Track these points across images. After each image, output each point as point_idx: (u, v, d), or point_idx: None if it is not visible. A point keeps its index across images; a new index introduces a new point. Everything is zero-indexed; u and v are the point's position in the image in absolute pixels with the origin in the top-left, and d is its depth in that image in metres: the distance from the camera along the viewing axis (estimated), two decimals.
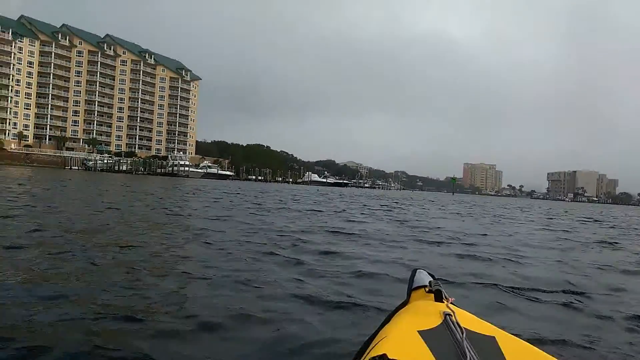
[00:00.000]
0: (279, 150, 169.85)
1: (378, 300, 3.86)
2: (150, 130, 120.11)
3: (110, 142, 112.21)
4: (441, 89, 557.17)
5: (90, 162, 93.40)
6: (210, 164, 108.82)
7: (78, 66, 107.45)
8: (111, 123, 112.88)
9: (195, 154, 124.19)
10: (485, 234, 11.20)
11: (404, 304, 1.64)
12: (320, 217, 13.55)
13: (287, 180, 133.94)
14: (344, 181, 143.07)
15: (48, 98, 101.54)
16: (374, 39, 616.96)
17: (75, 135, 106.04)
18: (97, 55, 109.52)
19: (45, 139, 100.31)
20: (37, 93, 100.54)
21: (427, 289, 1.62)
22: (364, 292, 4.23)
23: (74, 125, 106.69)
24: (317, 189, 68.51)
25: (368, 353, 1.23)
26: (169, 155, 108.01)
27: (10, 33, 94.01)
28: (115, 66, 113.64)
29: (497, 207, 37.58)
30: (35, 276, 4.06)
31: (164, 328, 2.91)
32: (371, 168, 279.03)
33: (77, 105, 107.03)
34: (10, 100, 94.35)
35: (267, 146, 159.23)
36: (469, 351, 1.13)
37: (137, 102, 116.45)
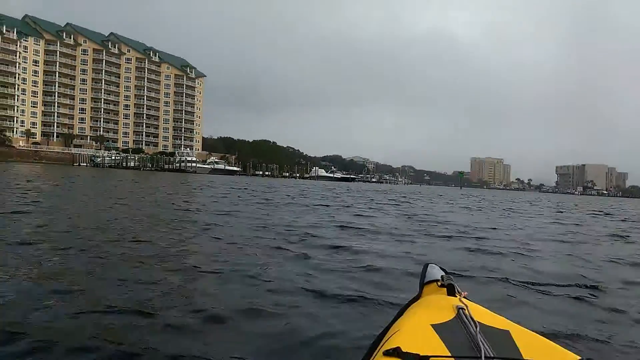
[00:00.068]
0: (285, 146, 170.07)
1: (388, 295, 3.82)
2: (156, 127, 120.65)
3: (118, 138, 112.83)
4: (446, 87, 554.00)
5: (99, 159, 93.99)
6: (217, 160, 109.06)
7: (83, 64, 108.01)
8: (118, 120, 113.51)
9: (202, 150, 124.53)
10: (495, 228, 11.13)
11: (416, 298, 1.64)
12: (328, 211, 13.52)
13: (294, 175, 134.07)
14: (351, 176, 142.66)
15: (54, 96, 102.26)
16: (379, 37, 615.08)
17: (82, 132, 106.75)
18: (102, 54, 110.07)
19: (53, 136, 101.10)
20: (43, 91, 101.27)
21: (439, 283, 1.62)
22: (373, 286, 4.20)
23: (81, 122, 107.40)
24: (324, 184, 68.44)
25: (382, 346, 1.22)
26: (176, 152, 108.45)
27: (15, 32, 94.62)
28: (120, 64, 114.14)
29: (505, 200, 37.37)
30: (45, 271, 4.07)
31: (173, 322, 2.90)
32: (378, 163, 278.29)
33: (83, 103, 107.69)
34: (17, 99, 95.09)
35: (274, 142, 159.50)
36: (483, 345, 1.13)
37: (143, 99, 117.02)
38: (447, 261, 5.76)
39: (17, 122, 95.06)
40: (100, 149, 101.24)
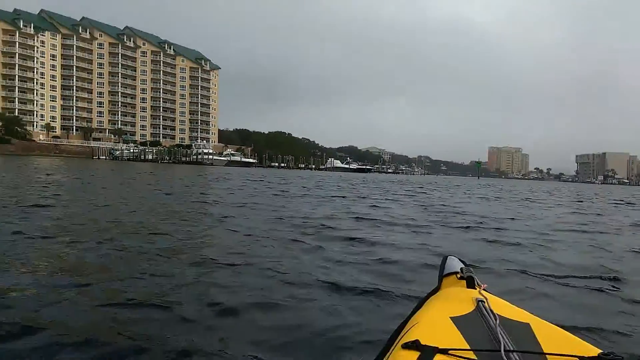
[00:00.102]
0: (300, 137, 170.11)
1: (404, 287, 3.80)
2: (173, 120, 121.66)
3: (135, 131, 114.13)
4: (463, 75, 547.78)
5: (117, 152, 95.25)
6: (233, 152, 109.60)
7: (100, 58, 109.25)
8: (135, 113, 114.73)
9: (218, 142, 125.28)
10: (513, 218, 11.00)
11: (435, 290, 1.63)
12: (344, 202, 13.51)
13: (309, 166, 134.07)
14: (367, 167, 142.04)
15: (72, 90, 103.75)
16: (395, 24, 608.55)
17: (100, 125, 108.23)
18: (118, 47, 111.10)
19: (72, 130, 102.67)
20: (61, 85, 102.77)
21: (458, 276, 1.61)
22: (389, 278, 4.18)
23: (99, 116, 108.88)
24: (340, 175, 68.35)
25: (400, 339, 1.22)
26: (193, 144, 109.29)
27: (32, 27, 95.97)
28: (135, 57, 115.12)
29: (524, 190, 36.89)
30: (63, 264, 4.14)
31: (189, 316, 2.92)
32: (394, 153, 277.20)
33: (101, 97, 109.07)
34: (36, 93, 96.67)
35: (289, 133, 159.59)
36: (503, 337, 1.12)
37: (159, 92, 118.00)
38: (465, 252, 5.71)
39: (36, 116, 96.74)
40: (118, 142, 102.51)
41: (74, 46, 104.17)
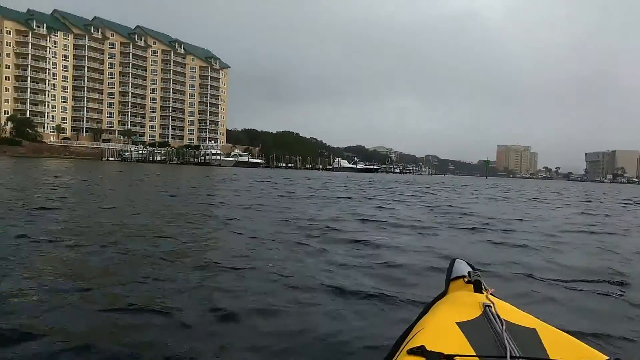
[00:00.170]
0: (308, 137, 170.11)
1: (409, 291, 3.78)
2: (182, 120, 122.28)
3: (145, 132, 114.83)
4: (471, 73, 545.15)
5: (126, 153, 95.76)
6: (241, 152, 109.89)
7: (111, 58, 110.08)
8: (144, 114, 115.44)
9: (226, 142, 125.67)
10: (521, 219, 10.92)
11: (443, 294, 1.63)
12: (350, 204, 13.49)
13: (317, 167, 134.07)
14: (374, 167, 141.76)
15: (84, 91, 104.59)
16: (395, 24, 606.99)
17: (110, 126, 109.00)
18: (129, 47, 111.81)
19: (83, 131, 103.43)
20: (73, 86, 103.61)
21: (466, 280, 1.61)
22: (394, 282, 4.15)
23: (109, 117, 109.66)
24: (347, 175, 68.28)
25: (406, 344, 1.21)
26: (201, 145, 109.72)
27: (44, 27, 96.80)
28: (146, 57, 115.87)
29: (532, 190, 36.63)
30: (66, 269, 4.15)
31: (190, 322, 2.90)
32: (401, 153, 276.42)
33: (111, 97, 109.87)
34: (48, 94, 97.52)
35: (297, 133, 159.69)
36: (509, 343, 1.11)
37: (169, 92, 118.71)
38: (471, 255, 5.66)
39: (47, 117, 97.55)
40: (127, 143, 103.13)
41: (86, 46, 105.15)
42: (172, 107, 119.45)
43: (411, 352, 1.10)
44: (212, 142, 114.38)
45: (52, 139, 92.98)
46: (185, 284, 3.77)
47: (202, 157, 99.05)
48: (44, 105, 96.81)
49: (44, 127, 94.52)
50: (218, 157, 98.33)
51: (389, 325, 2.94)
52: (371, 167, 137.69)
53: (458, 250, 6.00)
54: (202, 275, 4.06)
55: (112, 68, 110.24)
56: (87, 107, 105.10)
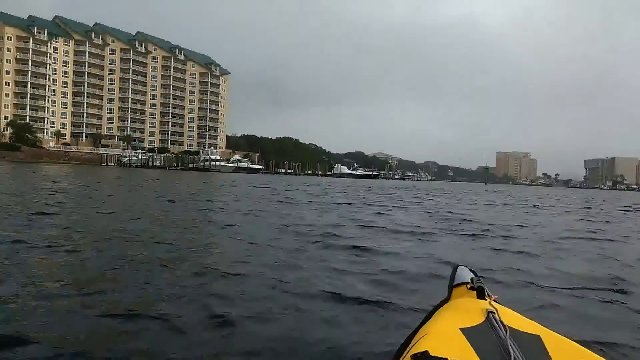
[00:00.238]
0: (307, 143, 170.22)
1: (410, 298, 3.75)
2: (182, 126, 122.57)
3: (144, 138, 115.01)
4: (471, 80, 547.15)
5: (126, 159, 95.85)
6: (240, 158, 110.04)
7: (111, 64, 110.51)
8: (144, 119, 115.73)
9: (226, 148, 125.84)
10: (521, 226, 10.89)
11: (445, 300, 1.63)
12: (350, 209, 13.46)
13: (316, 173, 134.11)
14: (374, 173, 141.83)
15: (84, 96, 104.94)
16: (401, 26, 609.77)
17: (110, 132, 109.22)
18: (129, 53, 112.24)
19: (82, 137, 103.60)
20: (73, 92, 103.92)
21: (468, 286, 1.60)
22: (395, 288, 4.12)
23: (109, 122, 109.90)
24: (346, 181, 68.31)
25: (409, 350, 1.21)
26: (201, 150, 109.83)
27: (45, 34, 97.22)
28: (146, 63, 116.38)
29: (532, 197, 36.63)
30: (64, 275, 4.11)
31: (187, 328, 2.87)
32: (401, 159, 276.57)
33: (111, 103, 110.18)
34: (48, 100, 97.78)
35: (296, 139, 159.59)
36: (513, 350, 1.11)
37: (169, 97, 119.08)
38: (472, 261, 5.62)
39: (47, 122, 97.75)
40: (127, 149, 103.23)
41: (87, 52, 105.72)
42: (172, 113, 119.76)
43: (415, 357, 1.10)
44: (212, 147, 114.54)
45: (51, 144, 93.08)
46: (183, 289, 3.74)
47: (202, 163, 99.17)
48: (44, 111, 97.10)
49: (43, 133, 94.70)
50: (218, 163, 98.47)
51: (388, 332, 2.92)
52: (371, 173, 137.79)
53: (458, 257, 5.96)
54: (201, 281, 4.04)
55: (113, 74, 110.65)
56: (86, 113, 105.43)
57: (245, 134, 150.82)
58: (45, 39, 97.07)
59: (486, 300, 1.47)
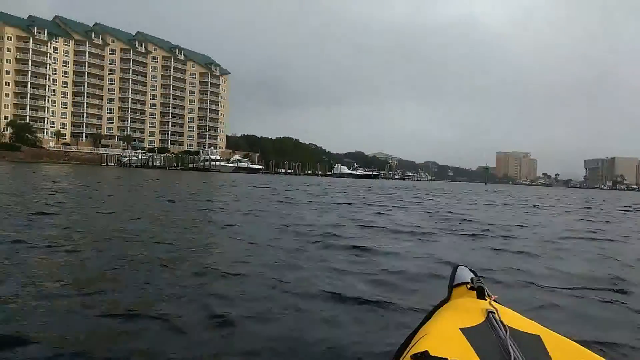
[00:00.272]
0: (307, 143, 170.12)
1: (409, 298, 3.74)
2: (182, 126, 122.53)
3: (144, 138, 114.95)
4: (471, 77, 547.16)
5: (126, 159, 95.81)
6: (240, 158, 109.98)
7: (111, 64, 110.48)
8: (144, 119, 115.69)
9: (226, 148, 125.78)
10: (521, 225, 10.89)
11: (445, 300, 1.63)
12: (349, 209, 13.46)
13: (316, 173, 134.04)
14: (374, 173, 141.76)
15: (84, 96, 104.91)
16: (401, 26, 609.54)
17: (110, 132, 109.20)
18: (129, 53, 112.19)
19: (82, 137, 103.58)
20: (73, 92, 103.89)
21: (469, 286, 1.60)
22: (395, 288, 4.12)
23: (109, 122, 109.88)
24: (346, 181, 68.30)
25: (409, 350, 1.21)
26: (201, 151, 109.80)
27: (45, 34, 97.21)
28: (146, 63, 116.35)
29: (532, 197, 36.63)
30: (64, 275, 4.11)
31: (187, 328, 2.87)
32: (401, 159, 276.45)
33: (111, 103, 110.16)
34: (48, 100, 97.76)
35: (296, 139, 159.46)
36: (513, 350, 1.11)
37: (169, 98, 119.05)
38: (471, 261, 5.62)
39: (47, 122, 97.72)
40: (127, 149, 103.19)
41: (87, 52, 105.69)
42: (172, 113, 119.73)
43: (415, 357, 1.10)
44: (212, 147, 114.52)
45: (51, 144, 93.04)
46: (183, 289, 3.74)
47: (202, 163, 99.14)
48: (44, 111, 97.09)
49: (43, 133, 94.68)
50: (217, 163, 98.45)
51: (388, 332, 2.92)
52: (371, 173, 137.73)
53: (458, 257, 5.96)
54: (201, 281, 4.04)
55: (113, 74, 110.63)
56: (86, 113, 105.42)
57: (245, 134, 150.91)
58: (45, 39, 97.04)
59: (486, 300, 1.47)
